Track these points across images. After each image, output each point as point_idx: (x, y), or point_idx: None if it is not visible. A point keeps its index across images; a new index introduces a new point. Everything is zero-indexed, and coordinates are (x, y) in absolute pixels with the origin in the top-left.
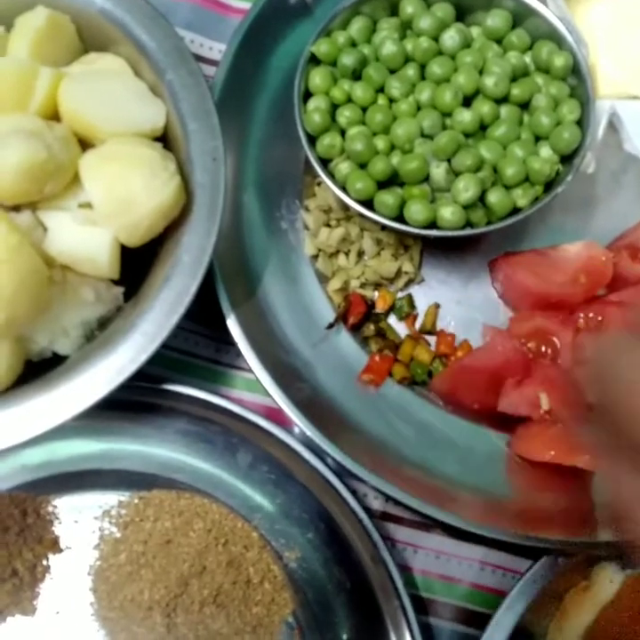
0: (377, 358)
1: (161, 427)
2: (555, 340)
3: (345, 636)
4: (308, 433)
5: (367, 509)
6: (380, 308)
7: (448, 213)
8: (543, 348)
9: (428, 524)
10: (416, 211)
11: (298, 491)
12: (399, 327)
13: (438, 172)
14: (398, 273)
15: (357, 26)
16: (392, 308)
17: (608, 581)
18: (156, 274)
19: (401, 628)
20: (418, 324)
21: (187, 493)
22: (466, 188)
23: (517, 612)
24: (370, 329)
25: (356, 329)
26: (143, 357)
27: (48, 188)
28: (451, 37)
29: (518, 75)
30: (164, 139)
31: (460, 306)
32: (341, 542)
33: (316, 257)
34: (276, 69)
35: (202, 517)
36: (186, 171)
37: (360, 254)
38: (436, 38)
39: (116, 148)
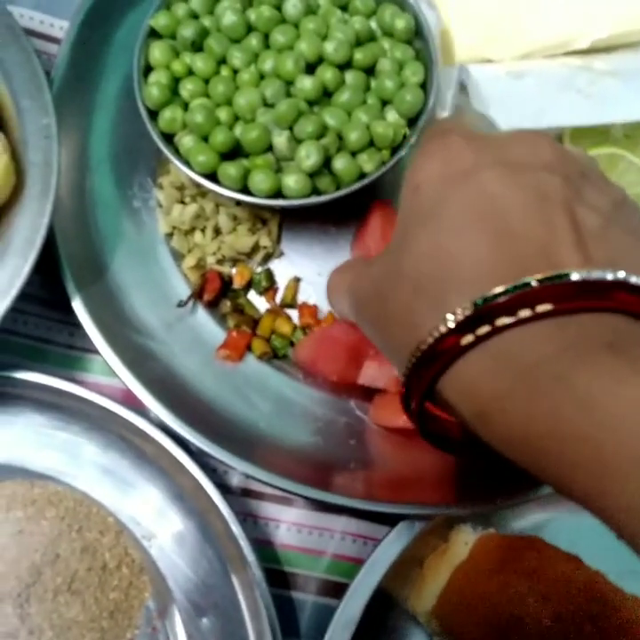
0: (234, 334)
1: (10, 415)
2: None
3: (204, 616)
4: (158, 414)
5: (227, 487)
6: (237, 283)
7: (292, 182)
8: None
9: (288, 498)
10: (259, 180)
11: (152, 472)
12: (261, 302)
13: (280, 140)
14: (256, 247)
15: None
16: (251, 284)
17: (463, 543)
18: None
19: (256, 603)
20: (278, 299)
21: (41, 482)
22: (308, 155)
23: (374, 579)
24: (226, 305)
25: (212, 306)
26: None
27: None
28: (293, 5)
29: (364, 40)
30: None
31: (322, 278)
32: (198, 522)
33: (170, 235)
34: (124, 45)
35: (55, 505)
36: (19, 150)
37: (217, 231)
38: (279, 7)
39: None
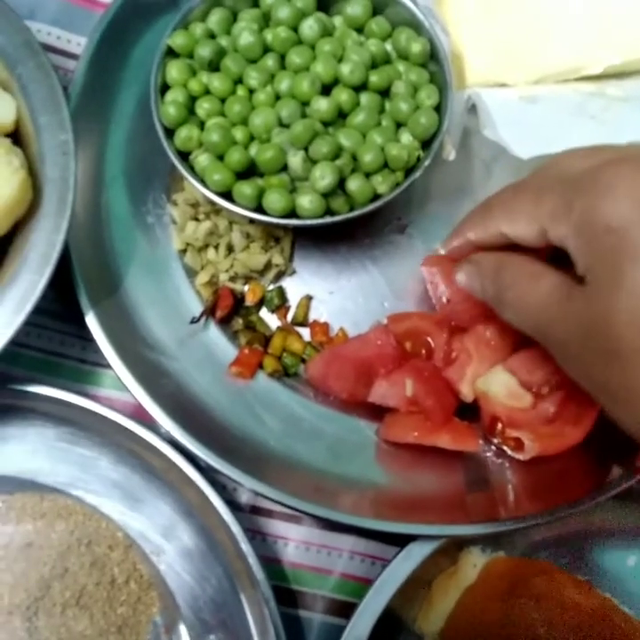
0: (246, 351)
1: (21, 428)
2: (429, 340)
3: (212, 633)
4: (168, 429)
5: (236, 504)
6: (249, 300)
7: (306, 202)
8: (419, 349)
9: (297, 516)
10: (274, 200)
11: (162, 488)
12: (273, 320)
13: (295, 160)
14: (268, 265)
15: (216, 17)
16: (263, 301)
17: (472, 565)
18: (4, 273)
19: (264, 621)
20: (290, 317)
21: (51, 495)
22: (322, 176)
23: (383, 599)
24: (238, 323)
25: (224, 322)
26: None
27: None
28: (309, 27)
29: (379, 62)
30: (15, 134)
31: (333, 296)
32: (207, 538)
33: (184, 251)
34: (141, 62)
35: (64, 519)
36: (36, 166)
37: (230, 248)
38: (295, 28)
39: None
